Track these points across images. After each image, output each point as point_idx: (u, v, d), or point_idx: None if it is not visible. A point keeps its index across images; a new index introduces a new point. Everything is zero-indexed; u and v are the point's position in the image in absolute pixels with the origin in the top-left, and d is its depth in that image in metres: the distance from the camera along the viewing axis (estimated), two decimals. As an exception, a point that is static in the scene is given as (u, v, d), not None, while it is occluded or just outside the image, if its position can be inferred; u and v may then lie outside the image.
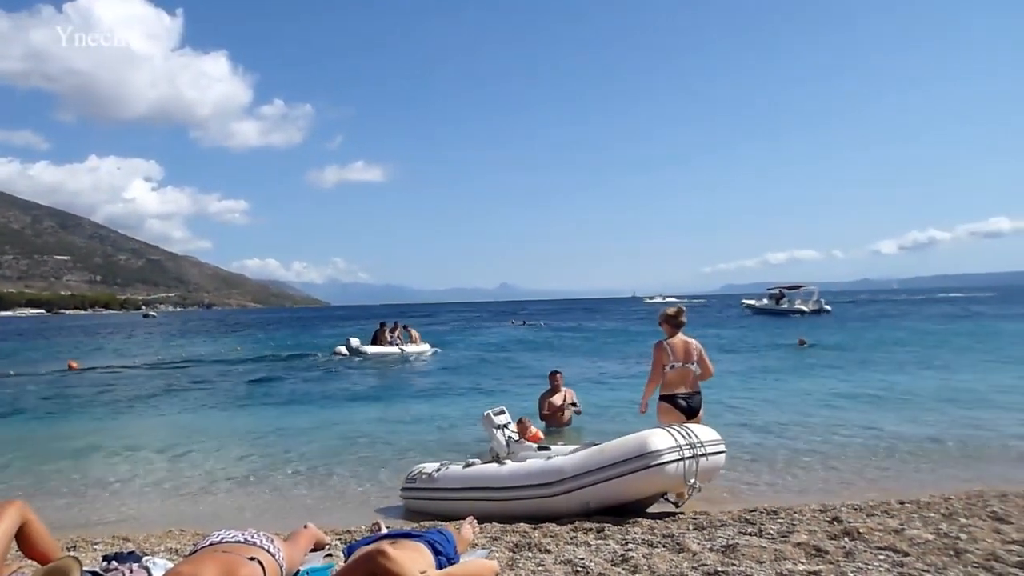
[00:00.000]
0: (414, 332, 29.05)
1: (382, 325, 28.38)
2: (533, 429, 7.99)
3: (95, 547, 5.26)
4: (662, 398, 6.51)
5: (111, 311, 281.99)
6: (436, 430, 11.26)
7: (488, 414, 7.56)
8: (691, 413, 6.43)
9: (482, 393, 15.78)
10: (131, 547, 5.03)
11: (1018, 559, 3.83)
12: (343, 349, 27.42)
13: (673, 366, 6.49)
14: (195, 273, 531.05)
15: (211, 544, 3.23)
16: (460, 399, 14.85)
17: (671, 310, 6.75)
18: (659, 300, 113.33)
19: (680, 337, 6.62)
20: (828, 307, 55.85)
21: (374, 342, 27.30)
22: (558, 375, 10.77)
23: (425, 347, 28.40)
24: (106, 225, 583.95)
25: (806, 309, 53.16)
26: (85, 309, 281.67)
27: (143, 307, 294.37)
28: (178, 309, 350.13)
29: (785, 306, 54.48)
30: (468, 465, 6.50)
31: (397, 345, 27.43)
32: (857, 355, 21.84)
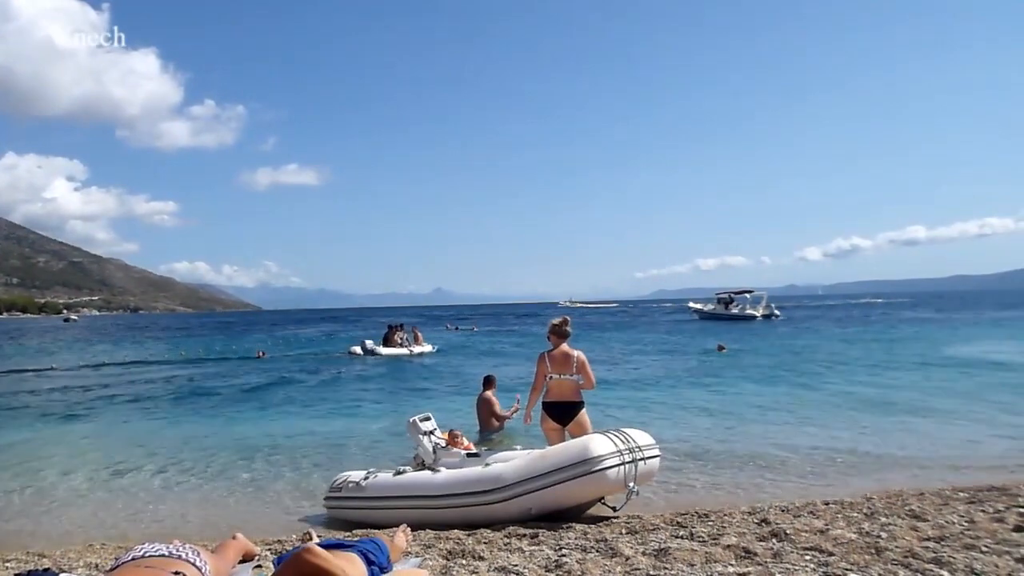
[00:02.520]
0: (418, 334, 31.12)
1: (391, 328, 30.25)
2: (465, 442, 7.88)
3: (7, 565, 5.02)
4: (543, 406, 6.75)
5: (29, 315, 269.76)
6: (364, 437, 11.05)
7: (414, 420, 7.49)
8: (563, 421, 6.64)
9: (412, 399, 15.58)
10: (47, 563, 4.81)
11: (933, 555, 3.99)
12: (358, 349, 28.86)
13: (551, 377, 6.69)
14: (120, 276, 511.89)
15: (133, 559, 3.09)
16: (390, 406, 14.64)
17: (556, 320, 6.95)
18: (566, 304, 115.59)
19: (562, 348, 6.79)
20: (778, 312, 55.81)
21: (385, 344, 28.97)
22: (492, 380, 10.77)
23: (428, 347, 30.30)
24: (24, 226, 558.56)
25: (757, 314, 52.88)
26: (0, 313, 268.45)
27: (64, 311, 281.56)
28: (102, 313, 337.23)
29: (736, 311, 53.96)
30: (399, 473, 6.41)
31: (405, 346, 29.14)
32: (775, 361, 22.25)
